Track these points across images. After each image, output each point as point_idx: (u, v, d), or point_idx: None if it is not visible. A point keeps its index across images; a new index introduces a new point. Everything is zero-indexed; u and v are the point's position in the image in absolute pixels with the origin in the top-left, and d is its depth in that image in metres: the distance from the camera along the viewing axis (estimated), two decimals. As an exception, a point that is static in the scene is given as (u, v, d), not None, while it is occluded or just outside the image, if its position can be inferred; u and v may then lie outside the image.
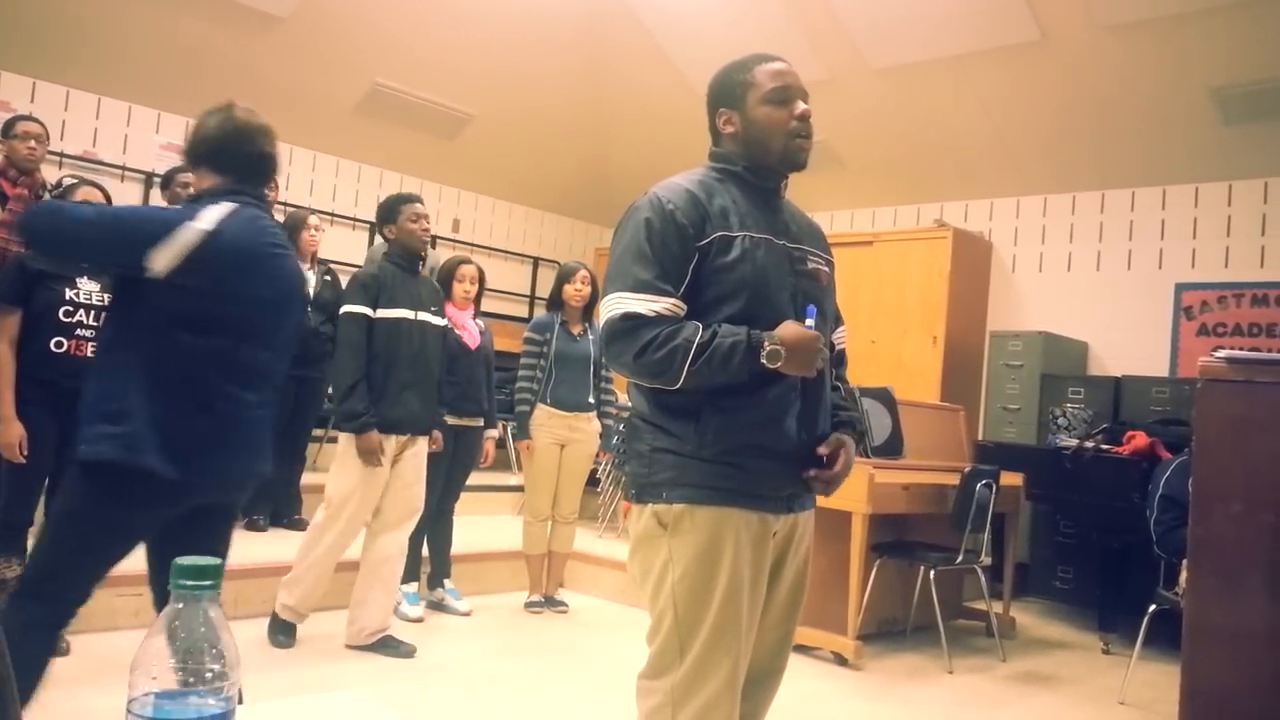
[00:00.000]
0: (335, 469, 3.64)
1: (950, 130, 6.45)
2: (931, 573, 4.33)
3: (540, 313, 4.88)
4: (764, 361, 1.69)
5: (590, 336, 4.55)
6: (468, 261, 4.44)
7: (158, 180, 5.33)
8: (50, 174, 4.66)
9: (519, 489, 5.48)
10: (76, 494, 2.06)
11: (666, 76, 6.75)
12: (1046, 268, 6.65)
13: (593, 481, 5.25)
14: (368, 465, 3.52)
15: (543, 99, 7.08)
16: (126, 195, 5.84)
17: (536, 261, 8.43)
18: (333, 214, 6.99)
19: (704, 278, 1.77)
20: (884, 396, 4.72)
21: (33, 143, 3.95)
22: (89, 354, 3.10)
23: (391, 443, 3.63)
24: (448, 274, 4.33)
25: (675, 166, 1.93)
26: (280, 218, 5.36)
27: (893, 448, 4.61)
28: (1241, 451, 1.96)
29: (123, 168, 6.04)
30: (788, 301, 1.80)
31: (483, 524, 5.50)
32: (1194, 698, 1.95)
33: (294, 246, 4.72)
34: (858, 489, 4.02)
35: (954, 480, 4.40)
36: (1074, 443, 5.27)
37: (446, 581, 4.51)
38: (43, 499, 3.23)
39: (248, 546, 4.46)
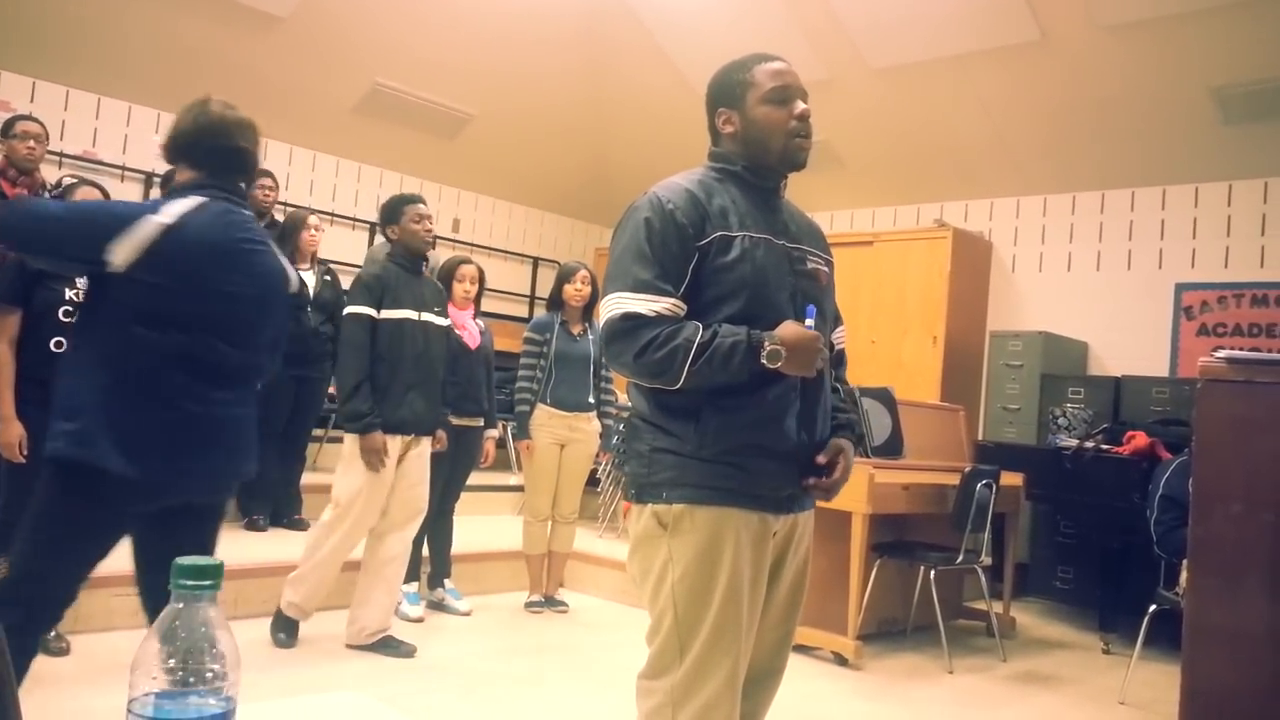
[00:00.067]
0: (341, 469, 3.64)
1: (950, 130, 6.45)
2: (932, 573, 4.33)
3: (540, 313, 4.88)
4: (764, 361, 1.69)
5: (590, 336, 4.55)
6: (468, 261, 4.44)
7: (158, 180, 5.33)
8: (50, 174, 4.67)
9: (519, 489, 5.48)
10: (41, 492, 2.05)
11: (666, 76, 6.75)
12: (1046, 268, 6.65)
13: (593, 481, 5.25)
14: (371, 466, 3.52)
15: (543, 99, 7.08)
16: (126, 195, 5.84)
17: (536, 261, 8.43)
18: (332, 214, 6.99)
19: (704, 278, 1.77)
20: (884, 396, 4.72)
21: (32, 142, 3.95)
22: None
23: (396, 443, 3.62)
24: (447, 274, 4.33)
25: (675, 166, 1.93)
26: (280, 218, 5.37)
27: (893, 448, 4.61)
28: (1241, 452, 1.96)
29: (122, 168, 6.04)
30: (787, 301, 1.80)
31: (483, 524, 5.50)
32: (1194, 698, 1.95)
33: (292, 246, 4.82)
34: (858, 489, 4.02)
35: (954, 480, 4.40)
36: (1074, 443, 5.27)
37: (447, 581, 4.51)
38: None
39: (248, 546, 4.46)
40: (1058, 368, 6.09)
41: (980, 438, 6.11)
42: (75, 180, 3.61)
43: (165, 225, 2.02)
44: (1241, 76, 5.24)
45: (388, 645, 3.70)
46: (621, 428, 4.63)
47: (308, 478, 5.25)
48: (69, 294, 3.17)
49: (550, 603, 4.72)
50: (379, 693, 3.27)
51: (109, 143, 6.05)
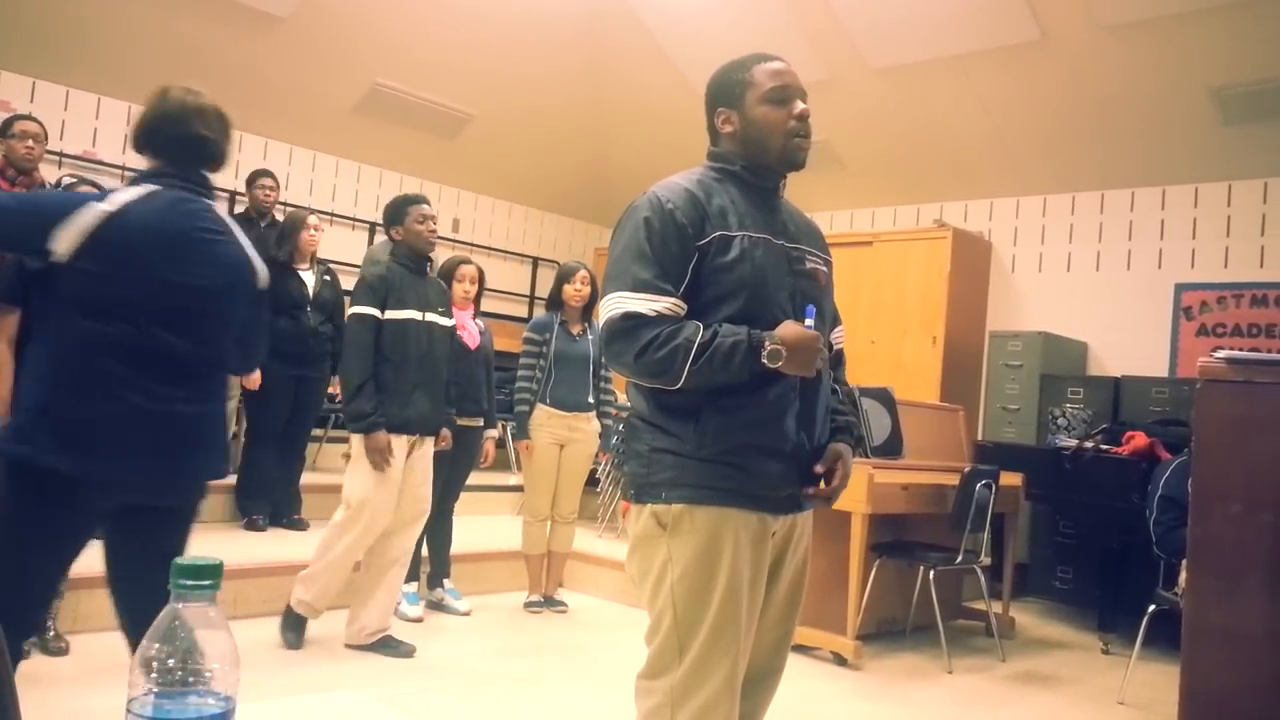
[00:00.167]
0: (351, 470, 3.64)
1: (950, 130, 6.45)
2: (931, 573, 4.33)
3: (540, 313, 4.88)
4: (765, 361, 1.69)
5: (590, 336, 4.55)
6: (467, 261, 4.44)
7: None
8: (50, 173, 4.67)
9: (518, 489, 5.48)
10: None
11: (666, 76, 6.75)
12: (1046, 268, 6.65)
13: (592, 481, 5.25)
14: (375, 465, 3.51)
15: (543, 99, 7.08)
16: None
17: (536, 261, 8.43)
18: (332, 214, 6.99)
19: (703, 277, 1.77)
20: (883, 397, 4.72)
21: (30, 142, 3.95)
22: None
23: (402, 442, 3.62)
24: (447, 274, 4.33)
25: (675, 166, 1.93)
26: (280, 217, 5.37)
27: (892, 448, 4.61)
28: (1241, 452, 1.96)
29: (122, 167, 6.04)
30: (786, 301, 1.80)
31: (482, 524, 5.50)
32: (1193, 698, 1.95)
33: (292, 245, 4.82)
34: (857, 489, 4.02)
35: (953, 480, 4.40)
36: (1073, 443, 5.27)
37: (446, 581, 4.51)
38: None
39: (247, 546, 4.46)
40: (1057, 368, 6.09)
41: (980, 438, 6.11)
42: (75, 180, 3.61)
43: (107, 212, 1.98)
44: (1241, 76, 5.24)
45: (387, 645, 3.70)
46: (621, 428, 4.63)
47: (307, 477, 5.25)
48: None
49: (549, 603, 4.72)
50: (378, 692, 3.27)
51: (109, 142, 6.04)
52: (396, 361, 3.58)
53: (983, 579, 4.72)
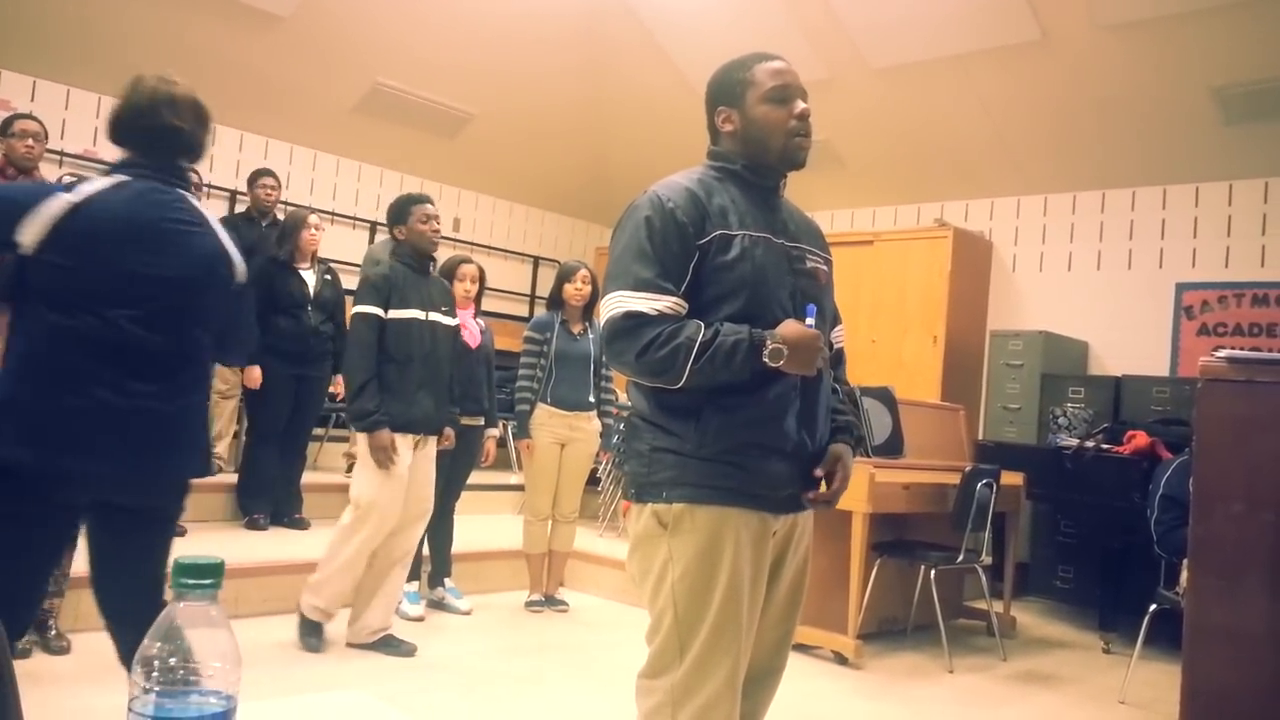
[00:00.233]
0: (358, 471, 3.63)
1: (950, 130, 6.44)
2: (932, 572, 4.33)
3: (540, 312, 4.88)
4: (766, 360, 1.69)
5: (590, 336, 4.55)
6: (468, 260, 4.44)
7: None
8: (50, 173, 4.67)
9: (519, 488, 5.48)
10: None
11: (667, 76, 6.75)
12: (1047, 267, 6.65)
13: (593, 481, 5.25)
14: (379, 464, 3.51)
15: (543, 98, 7.08)
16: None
17: (537, 261, 8.43)
18: (333, 213, 6.99)
19: (704, 276, 1.77)
20: (884, 396, 4.72)
21: (30, 141, 3.95)
22: None
23: (408, 441, 3.62)
24: (448, 273, 4.32)
25: (675, 166, 1.93)
26: (281, 216, 5.37)
27: (893, 447, 4.61)
28: (1242, 451, 1.96)
29: (123, 167, 6.04)
30: (787, 300, 1.80)
31: (483, 523, 5.50)
32: (1194, 697, 1.95)
33: (293, 245, 4.82)
34: (858, 488, 4.02)
35: (954, 480, 4.40)
36: (1074, 442, 5.27)
37: (447, 580, 4.51)
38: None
39: (248, 545, 4.47)
40: (1058, 367, 6.09)
41: (980, 437, 6.11)
42: (75, 179, 3.60)
43: (72, 203, 1.95)
44: (1242, 76, 5.24)
45: (388, 644, 3.70)
46: (621, 427, 4.64)
47: (308, 477, 5.26)
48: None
49: (550, 602, 4.72)
50: (379, 691, 3.27)
51: (109, 142, 6.04)
52: (401, 361, 3.57)
53: (984, 578, 4.72)
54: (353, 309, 3.65)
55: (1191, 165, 5.92)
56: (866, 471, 4.05)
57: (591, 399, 4.55)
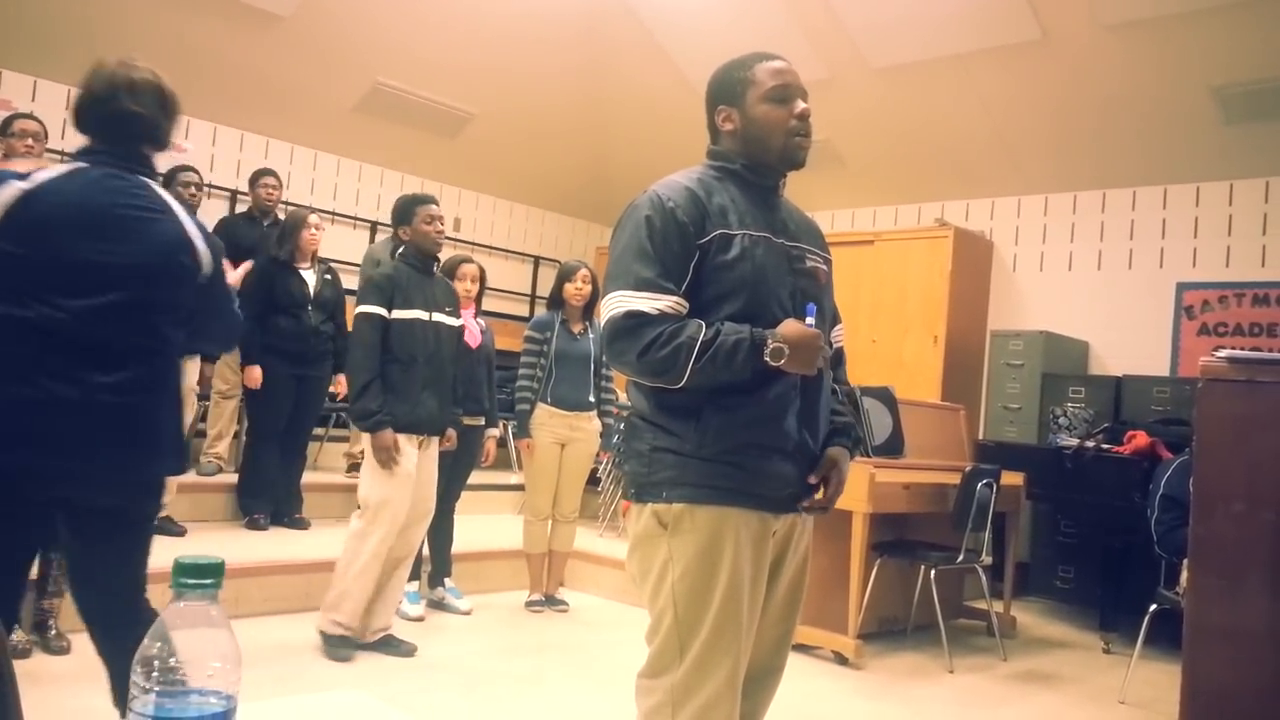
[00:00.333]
0: (365, 472, 3.61)
1: (951, 129, 6.44)
2: (932, 572, 4.33)
3: (541, 311, 4.88)
4: (767, 359, 1.69)
5: (591, 335, 4.55)
6: (469, 260, 4.44)
7: (159, 179, 5.32)
8: (51, 173, 4.66)
9: (519, 488, 5.48)
10: None
11: (667, 76, 6.75)
12: (1047, 267, 6.65)
13: (593, 480, 5.25)
14: (382, 464, 3.50)
15: (543, 98, 7.08)
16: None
17: (537, 260, 8.43)
18: (333, 213, 6.99)
19: (704, 276, 1.76)
20: (885, 396, 4.72)
21: (30, 140, 3.95)
22: None
23: (413, 441, 3.61)
24: (448, 273, 4.32)
25: (676, 165, 1.93)
26: (282, 216, 5.38)
27: (893, 447, 4.61)
28: (1242, 451, 1.96)
29: (123, 167, 6.04)
30: (787, 299, 1.81)
31: (483, 523, 5.50)
32: (1195, 697, 1.95)
33: (293, 245, 4.82)
34: (858, 488, 4.02)
35: (955, 479, 4.40)
36: (1075, 442, 5.26)
37: (447, 580, 4.51)
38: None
39: (249, 545, 4.46)
40: (1058, 367, 6.09)
41: (981, 437, 6.10)
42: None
43: (24, 190, 1.91)
44: (1242, 76, 5.24)
45: (388, 644, 3.70)
46: (622, 426, 4.63)
47: (309, 476, 5.26)
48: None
49: (551, 602, 4.72)
50: (379, 691, 3.27)
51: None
52: (405, 361, 3.56)
53: (984, 578, 4.72)
54: (356, 309, 3.63)
55: (1192, 165, 5.92)
56: (867, 471, 4.05)
57: (592, 399, 4.55)
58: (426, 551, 4.44)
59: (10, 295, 1.91)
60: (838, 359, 2.03)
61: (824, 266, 1.94)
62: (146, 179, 2.08)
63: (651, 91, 6.98)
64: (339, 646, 3.58)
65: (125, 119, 2.04)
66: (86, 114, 2.05)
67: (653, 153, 5.69)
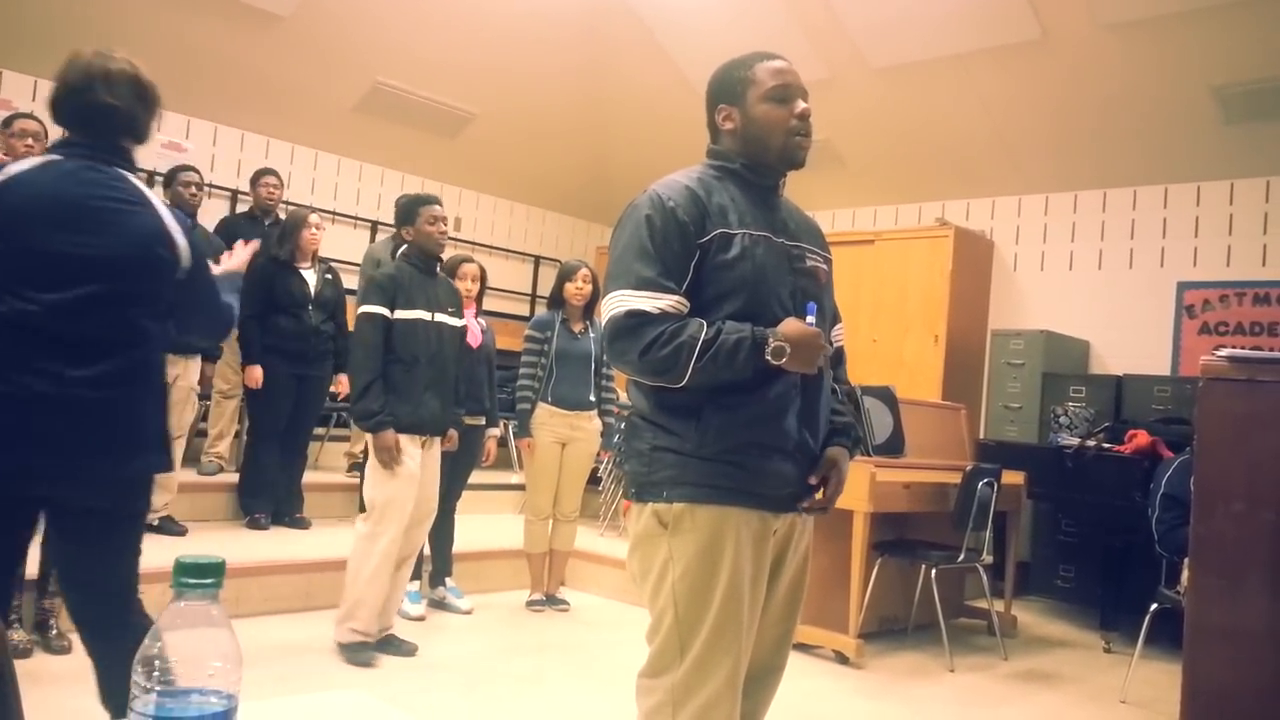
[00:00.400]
0: (369, 473, 3.60)
1: (951, 129, 6.44)
2: (933, 571, 4.33)
3: (541, 311, 4.88)
4: (769, 358, 1.69)
5: (591, 335, 4.55)
6: (469, 260, 4.44)
7: (159, 178, 5.33)
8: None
9: (520, 487, 5.48)
10: None
11: (667, 75, 6.75)
12: (1048, 266, 6.64)
13: (594, 480, 5.25)
14: (384, 464, 3.50)
15: (544, 98, 7.08)
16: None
17: (538, 260, 8.43)
18: (334, 212, 6.99)
19: (704, 275, 1.76)
20: (885, 395, 4.72)
21: (30, 140, 3.95)
22: None
23: (416, 442, 3.61)
24: (449, 272, 4.32)
25: (676, 165, 1.93)
26: (282, 215, 5.38)
27: (894, 446, 4.61)
28: (1243, 450, 1.96)
29: (124, 166, 6.04)
30: (787, 299, 1.81)
31: (484, 522, 5.50)
32: (1195, 696, 1.95)
33: (293, 244, 4.82)
34: (859, 488, 4.02)
35: (955, 479, 4.40)
36: (1075, 441, 5.26)
37: (448, 580, 4.51)
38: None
39: (249, 545, 4.46)
40: (1059, 366, 6.09)
41: (982, 436, 6.10)
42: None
43: None
44: (1242, 75, 5.24)
45: (389, 644, 3.70)
46: (622, 426, 4.63)
47: (309, 476, 5.26)
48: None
49: (551, 601, 4.72)
50: (380, 691, 3.27)
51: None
52: (407, 362, 3.56)
53: (985, 577, 4.72)
54: (358, 309, 3.62)
55: (1192, 164, 5.92)
56: (867, 471, 4.05)
57: (592, 398, 4.55)
58: (427, 551, 4.44)
59: None
60: (838, 358, 2.03)
61: (824, 266, 1.94)
62: (124, 171, 2.04)
63: (652, 91, 6.98)
64: (359, 652, 3.55)
65: (101, 111, 2.00)
66: (61, 106, 2.01)
67: (653, 152, 5.68)
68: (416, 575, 4.31)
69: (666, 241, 1.74)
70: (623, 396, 4.71)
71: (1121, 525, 4.83)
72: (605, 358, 4.17)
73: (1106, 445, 5.14)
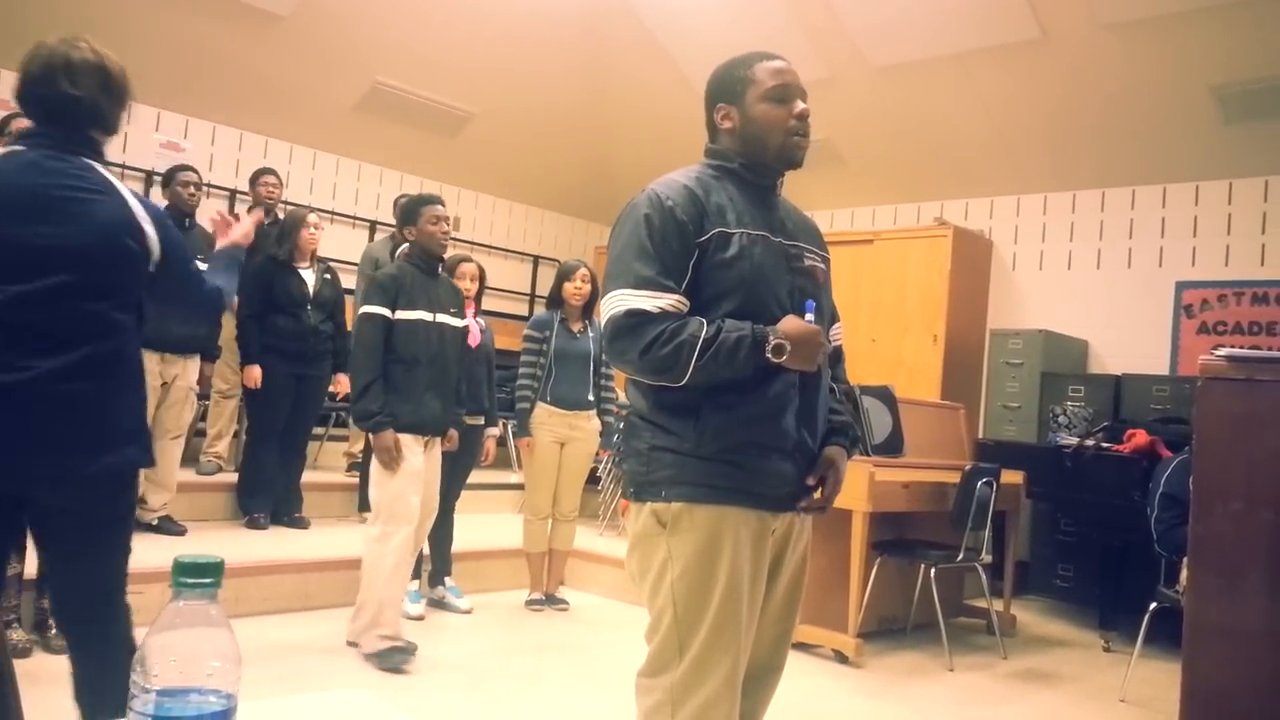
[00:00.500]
0: (374, 475, 3.60)
1: (950, 129, 6.44)
2: (932, 571, 4.33)
3: (540, 311, 4.88)
4: (769, 355, 1.69)
5: (590, 334, 4.55)
6: (468, 259, 4.44)
7: (158, 179, 5.33)
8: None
9: (519, 487, 5.48)
10: None
11: (667, 75, 6.75)
12: (1047, 266, 6.65)
13: (593, 479, 5.25)
14: (384, 464, 3.50)
15: (543, 97, 7.08)
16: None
17: (537, 260, 8.43)
18: (333, 212, 6.99)
19: (702, 274, 1.77)
20: (884, 395, 4.72)
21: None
22: None
23: (419, 442, 3.61)
24: (448, 272, 4.33)
25: (676, 165, 1.93)
26: (281, 215, 5.37)
27: (893, 446, 4.61)
28: (1242, 449, 1.96)
29: (122, 165, 6.03)
30: (785, 298, 1.81)
31: (483, 522, 5.51)
32: (1194, 695, 1.95)
33: (292, 244, 4.82)
34: (858, 487, 4.02)
35: (954, 478, 4.40)
36: (1074, 441, 5.27)
37: (447, 579, 4.51)
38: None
39: (248, 544, 4.46)
40: (1058, 366, 6.09)
41: (980, 436, 6.11)
42: None
43: None
44: (1241, 75, 5.24)
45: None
46: (621, 425, 4.63)
47: (308, 476, 5.26)
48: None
49: (551, 600, 4.72)
50: (379, 691, 3.27)
51: (109, 141, 6.03)
52: (408, 362, 3.55)
53: (984, 577, 4.72)
54: (359, 309, 3.62)
55: (1191, 164, 5.92)
56: (866, 470, 4.05)
57: (591, 398, 4.55)
58: (427, 551, 4.44)
59: None
60: (836, 358, 2.03)
61: (822, 265, 1.94)
62: (91, 160, 2.00)
63: (652, 90, 6.98)
64: (392, 656, 3.51)
65: (65, 102, 1.95)
66: (25, 98, 1.98)
67: (653, 152, 5.69)
68: (416, 575, 4.31)
69: (665, 240, 1.75)
70: (622, 396, 4.72)
71: (1120, 524, 4.83)
72: (605, 357, 4.19)
73: (1105, 445, 5.14)
